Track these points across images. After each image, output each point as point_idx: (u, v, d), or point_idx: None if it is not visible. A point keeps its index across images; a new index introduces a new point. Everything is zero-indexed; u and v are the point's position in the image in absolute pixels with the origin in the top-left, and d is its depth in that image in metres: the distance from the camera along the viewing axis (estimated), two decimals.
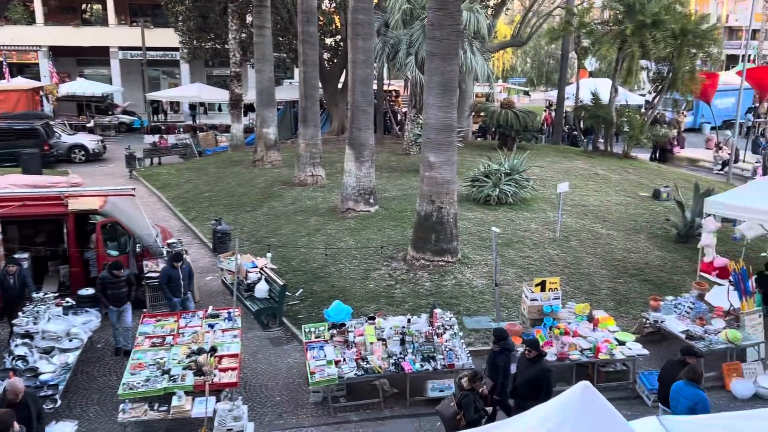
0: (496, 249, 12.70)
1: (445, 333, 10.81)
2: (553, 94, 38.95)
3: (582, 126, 33.45)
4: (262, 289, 13.17)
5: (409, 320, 11.01)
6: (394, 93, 39.80)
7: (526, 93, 54.09)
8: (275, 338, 12.65)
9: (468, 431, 5.60)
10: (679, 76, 26.97)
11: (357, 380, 10.12)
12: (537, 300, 11.71)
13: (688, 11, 29.48)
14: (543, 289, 11.71)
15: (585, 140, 32.94)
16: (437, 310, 11.30)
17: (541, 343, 10.84)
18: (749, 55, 36.05)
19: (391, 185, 22.04)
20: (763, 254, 16.55)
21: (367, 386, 10.55)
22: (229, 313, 11.56)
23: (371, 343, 10.43)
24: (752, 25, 32.08)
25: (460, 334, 11.17)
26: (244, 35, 32.00)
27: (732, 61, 63.97)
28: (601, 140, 30.13)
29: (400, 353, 10.40)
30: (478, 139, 34.53)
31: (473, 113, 32.24)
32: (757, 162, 27.89)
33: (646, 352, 11.19)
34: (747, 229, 16.31)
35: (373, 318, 11.18)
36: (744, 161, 29.51)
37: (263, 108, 26.11)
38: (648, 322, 12.54)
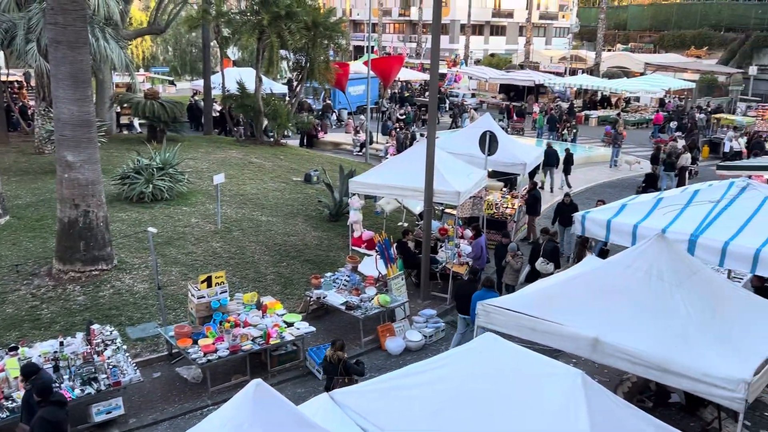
0: (154, 250, 12.07)
1: (106, 349, 9.93)
2: (199, 83, 38.46)
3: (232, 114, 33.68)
4: None
5: (61, 343, 9.82)
6: (16, 84, 35.07)
7: (172, 82, 52.51)
8: None
9: None
10: (315, 66, 28.82)
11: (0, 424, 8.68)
12: (204, 297, 11.43)
13: (317, 4, 31.58)
14: (209, 285, 11.45)
15: (237, 129, 33.25)
16: (94, 326, 10.32)
17: (212, 340, 10.75)
18: (372, 47, 40.33)
19: (23, 190, 19.38)
20: (400, 224, 18.78)
21: (15, 428, 9.15)
22: None
23: (15, 377, 9.04)
24: (371, 20, 35.83)
25: (124, 347, 10.37)
26: None
27: (359, 51, 71.03)
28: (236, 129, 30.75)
29: (55, 382, 9.23)
30: (124, 132, 32.42)
31: (114, 104, 30.11)
32: (387, 143, 31.39)
33: (312, 328, 11.77)
34: (385, 203, 18.30)
35: (15, 348, 9.70)
36: (377, 142, 32.99)
37: None
38: (312, 299, 13.24)
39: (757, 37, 60.69)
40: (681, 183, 23.30)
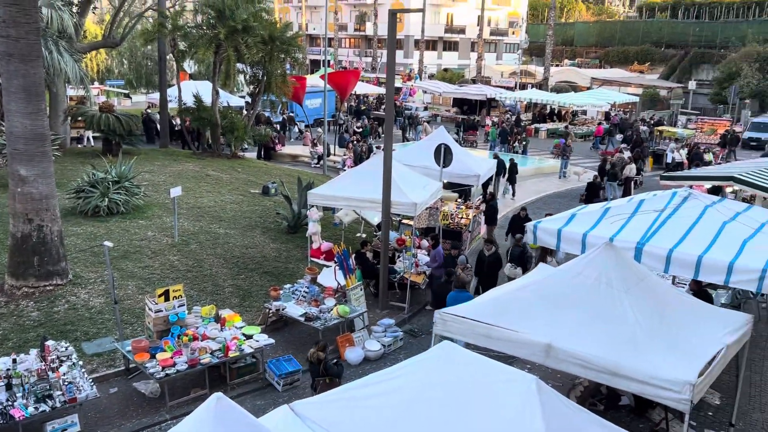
0: (110, 264, 11.79)
1: (61, 366, 9.62)
2: (154, 97, 37.82)
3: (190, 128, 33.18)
4: None
5: (14, 360, 9.48)
6: None
7: (127, 95, 51.51)
8: None
9: None
10: (272, 80, 28.65)
11: None
12: (162, 311, 11.20)
13: (274, 19, 31.46)
14: (167, 299, 11.24)
15: (195, 142, 32.71)
16: (49, 342, 10.00)
17: (170, 354, 10.54)
18: (328, 61, 40.31)
19: None
20: (358, 235, 18.77)
21: None
22: None
23: None
24: (328, 34, 35.84)
25: (80, 363, 10.07)
26: None
27: (315, 65, 70.84)
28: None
29: (7, 400, 8.90)
30: (79, 145, 31.62)
31: (68, 118, 29.39)
32: (344, 155, 31.39)
33: (272, 340, 11.61)
34: (344, 215, 18.29)
35: None
36: (335, 155, 32.93)
37: None
38: (271, 311, 13.11)
39: (695, 53, 63.05)
40: (627, 193, 23.83)
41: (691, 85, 52.47)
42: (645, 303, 8.77)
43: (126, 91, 52.68)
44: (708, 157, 31.65)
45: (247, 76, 30.72)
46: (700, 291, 12.26)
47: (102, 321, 12.54)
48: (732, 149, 35.66)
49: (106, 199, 18.01)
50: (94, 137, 31.30)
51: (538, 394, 5.74)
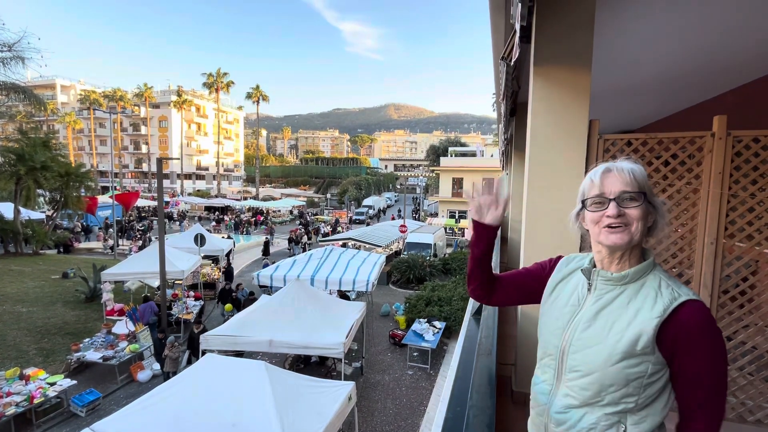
0: None
1: None
2: None
3: None
4: None
5: None
6: None
7: None
8: None
9: None
10: (69, 200, 22.09)
11: None
12: None
13: (70, 161, 24.47)
14: None
15: None
16: None
17: None
18: (115, 186, 32.70)
19: None
20: (143, 295, 15.25)
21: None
22: None
23: None
24: (113, 170, 29.20)
25: None
26: None
27: (106, 189, 56.80)
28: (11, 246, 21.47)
29: None
30: None
31: None
32: (131, 244, 25.50)
33: (74, 382, 8.58)
34: (131, 284, 14.80)
35: None
36: (123, 245, 26.46)
37: None
38: (73, 360, 9.69)
39: (329, 180, 69.50)
40: (304, 250, 24.52)
41: (329, 195, 57.30)
42: (317, 306, 9.02)
43: None
44: (339, 228, 34.62)
45: (47, 198, 23.01)
46: (342, 294, 13.10)
47: None
48: (350, 225, 39.74)
49: None
50: None
51: (266, 371, 5.42)
